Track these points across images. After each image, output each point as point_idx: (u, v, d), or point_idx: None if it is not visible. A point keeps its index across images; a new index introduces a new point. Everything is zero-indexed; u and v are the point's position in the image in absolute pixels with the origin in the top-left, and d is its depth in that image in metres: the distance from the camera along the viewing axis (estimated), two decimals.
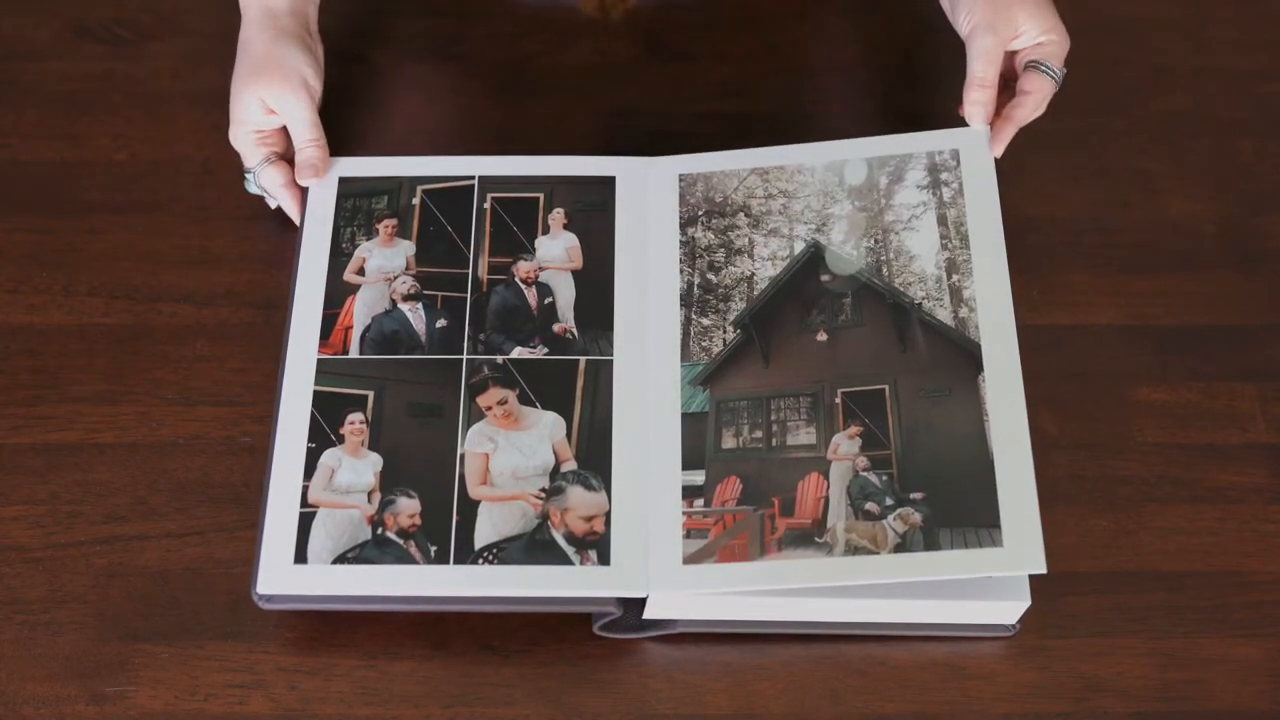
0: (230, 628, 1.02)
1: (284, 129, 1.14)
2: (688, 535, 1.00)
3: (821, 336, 1.07)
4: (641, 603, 1.00)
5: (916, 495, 1.00)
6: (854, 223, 1.11)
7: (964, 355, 1.04)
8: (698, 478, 1.03)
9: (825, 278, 1.09)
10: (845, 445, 1.03)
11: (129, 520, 1.05)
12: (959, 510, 0.99)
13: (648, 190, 1.14)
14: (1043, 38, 1.12)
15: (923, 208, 1.10)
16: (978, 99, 1.11)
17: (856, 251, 1.10)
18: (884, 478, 1.01)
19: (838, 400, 1.04)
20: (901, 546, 0.98)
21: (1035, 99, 1.12)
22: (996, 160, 1.12)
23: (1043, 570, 0.96)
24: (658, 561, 1.00)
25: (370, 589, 0.99)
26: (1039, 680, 1.01)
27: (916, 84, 1.25)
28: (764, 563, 0.99)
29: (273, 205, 1.16)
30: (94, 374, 1.11)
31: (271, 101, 1.12)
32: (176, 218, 1.18)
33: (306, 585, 0.99)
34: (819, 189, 1.12)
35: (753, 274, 1.10)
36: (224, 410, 1.09)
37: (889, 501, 1.00)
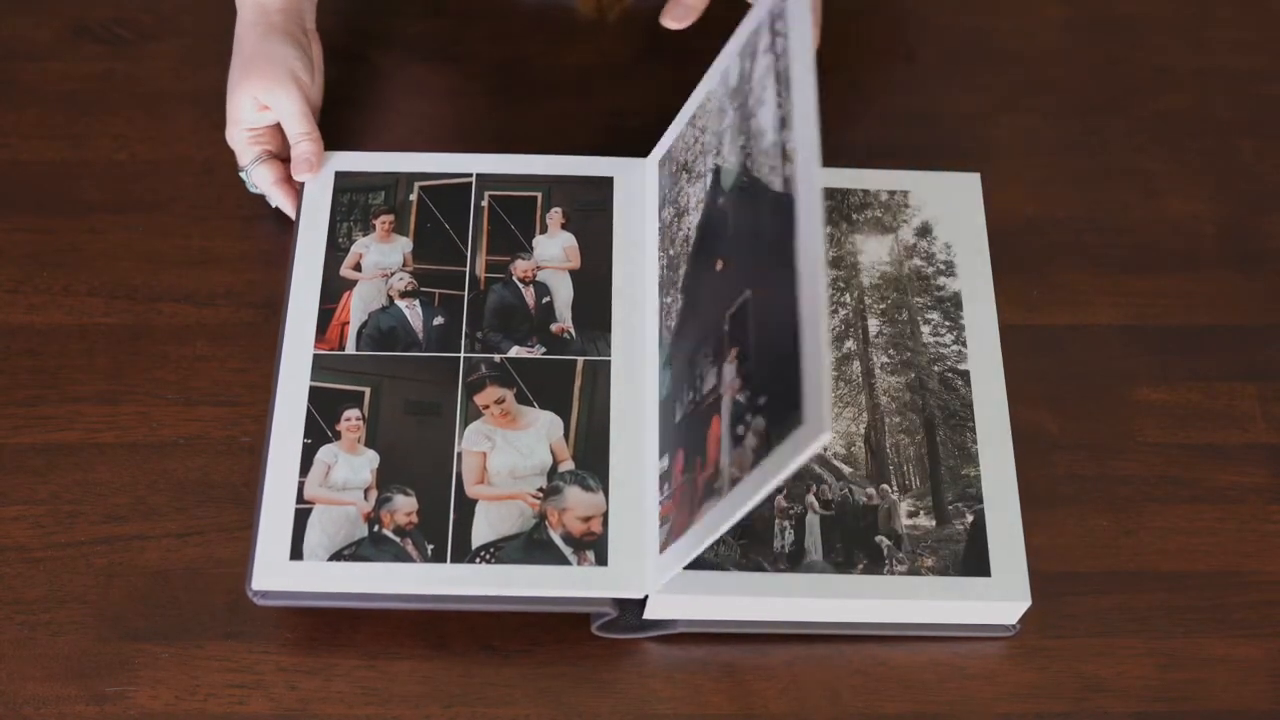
0: (230, 628, 1.02)
1: (278, 126, 1.14)
2: (661, 524, 0.99)
3: (719, 266, 1.00)
4: (641, 602, 1.00)
5: (761, 400, 0.89)
6: (734, 126, 1.02)
7: (780, 212, 0.91)
8: (665, 463, 1.01)
9: (720, 200, 1.02)
10: (728, 372, 0.94)
11: (129, 520, 1.05)
12: (766, 378, 0.89)
13: (645, 190, 1.14)
14: None
15: (767, 72, 0.97)
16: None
17: (735, 157, 1.02)
18: (746, 393, 0.92)
19: (726, 328, 0.96)
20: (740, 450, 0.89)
21: None
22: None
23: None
24: (653, 561, 0.99)
25: (367, 586, 0.99)
26: (1039, 680, 1.01)
27: (916, 84, 1.25)
28: (691, 534, 0.93)
29: (274, 204, 1.16)
30: (94, 374, 1.11)
31: (262, 96, 1.12)
32: (176, 218, 1.18)
33: (302, 582, 0.99)
34: (717, 109, 1.05)
35: (689, 231, 1.05)
36: (224, 410, 1.09)
37: (747, 417, 0.90)
